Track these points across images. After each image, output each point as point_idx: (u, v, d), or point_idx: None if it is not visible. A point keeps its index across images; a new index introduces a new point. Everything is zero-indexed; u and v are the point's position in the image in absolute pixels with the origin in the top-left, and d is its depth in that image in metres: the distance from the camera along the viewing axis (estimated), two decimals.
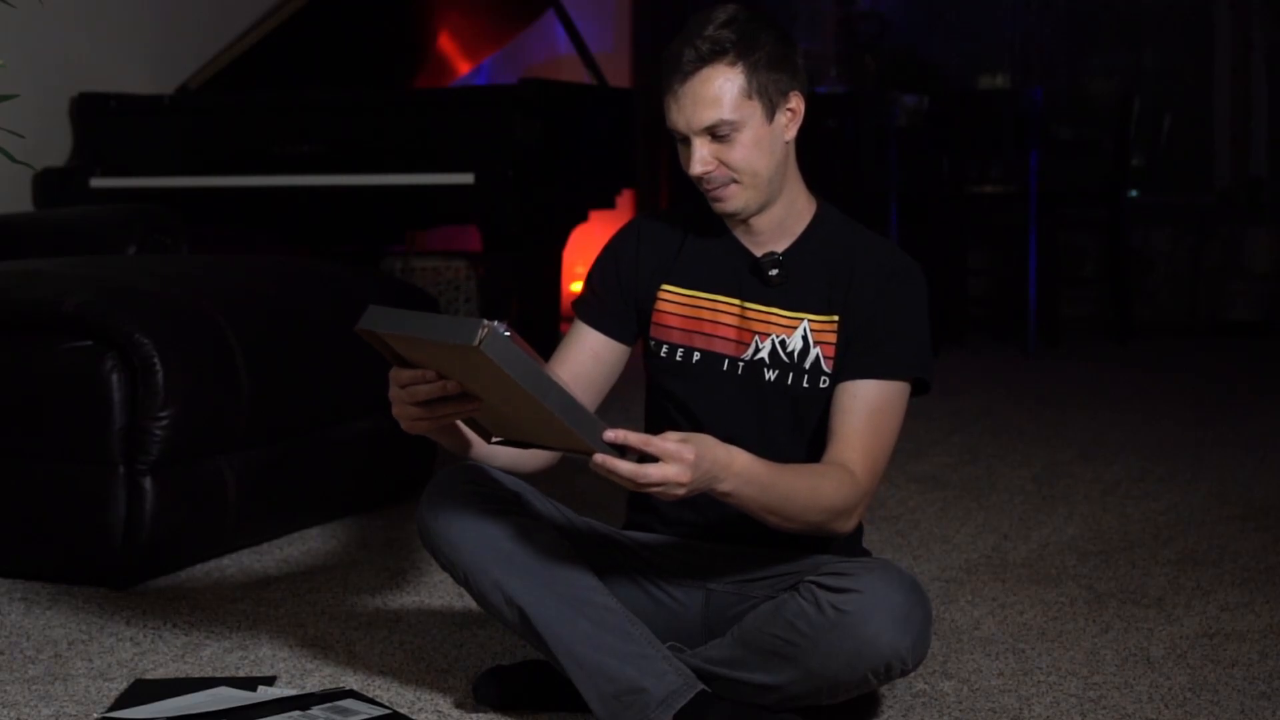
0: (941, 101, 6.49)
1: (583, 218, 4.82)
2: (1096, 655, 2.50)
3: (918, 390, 2.20)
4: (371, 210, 4.59)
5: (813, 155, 7.02)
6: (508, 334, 1.81)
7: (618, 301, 2.27)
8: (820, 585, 2.00)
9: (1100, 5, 7.61)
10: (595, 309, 2.28)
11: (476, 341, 1.77)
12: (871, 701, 2.26)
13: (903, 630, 1.97)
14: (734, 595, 2.21)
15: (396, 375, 1.97)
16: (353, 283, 3.63)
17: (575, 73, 5.92)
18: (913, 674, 2.33)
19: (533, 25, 5.77)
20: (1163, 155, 7.31)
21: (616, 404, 4.97)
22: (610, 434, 1.86)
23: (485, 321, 1.79)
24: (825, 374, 2.17)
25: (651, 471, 1.86)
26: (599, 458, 1.86)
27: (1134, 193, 7.15)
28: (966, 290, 7.04)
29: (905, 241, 6.47)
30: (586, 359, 2.26)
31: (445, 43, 5.54)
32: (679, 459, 1.86)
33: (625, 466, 1.86)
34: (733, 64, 2.08)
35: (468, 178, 4.37)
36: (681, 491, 1.89)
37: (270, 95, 4.73)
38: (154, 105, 4.78)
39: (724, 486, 1.94)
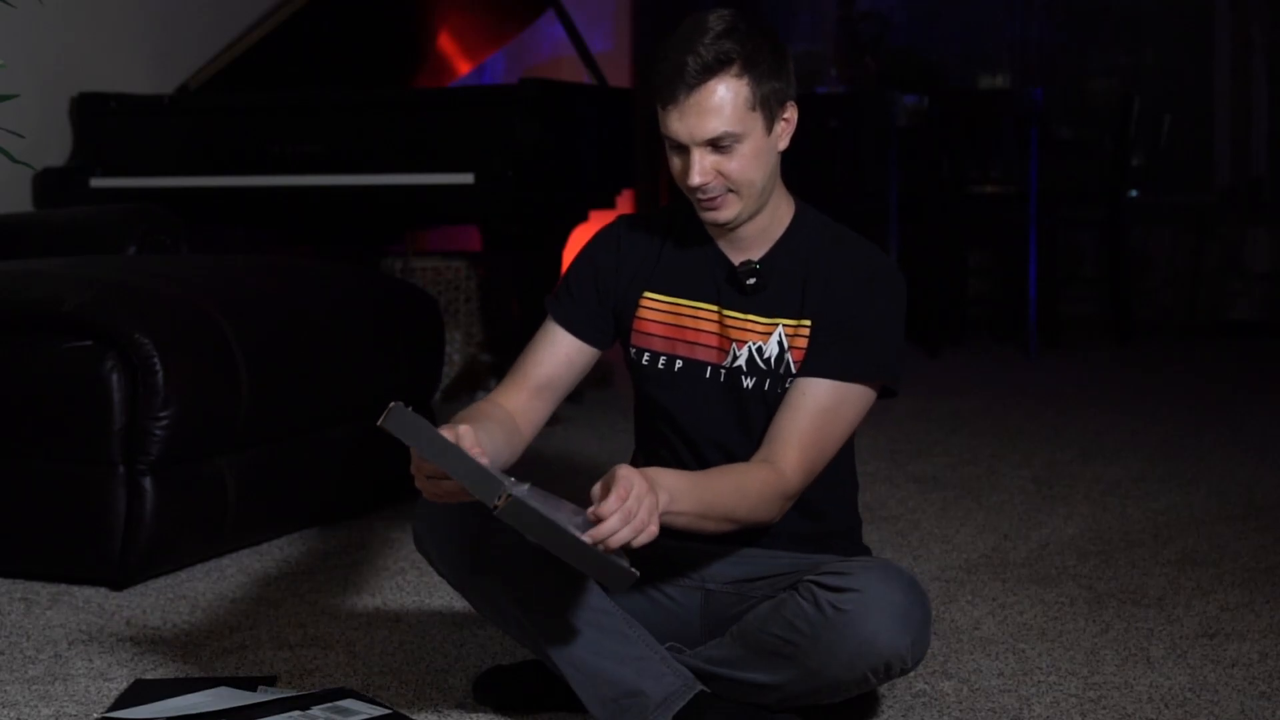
0: (941, 101, 6.49)
1: (583, 218, 4.82)
2: (1096, 655, 2.50)
3: (883, 394, 2.19)
4: (372, 210, 4.59)
5: (813, 155, 7.04)
6: (529, 497, 1.80)
7: (595, 307, 2.25)
8: (819, 585, 2.00)
9: (1100, 5, 7.61)
10: (572, 313, 2.25)
11: (492, 507, 1.78)
12: (871, 701, 2.26)
13: (902, 629, 1.97)
14: (733, 595, 2.21)
15: (421, 466, 1.94)
16: (353, 283, 3.63)
17: (575, 73, 5.92)
18: (913, 674, 2.34)
19: (533, 25, 5.76)
20: (1163, 155, 7.31)
21: (615, 407, 4.97)
22: (592, 514, 1.86)
23: (506, 485, 1.77)
24: (795, 377, 2.17)
25: (607, 524, 1.84)
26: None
27: (1134, 193, 7.15)
28: (966, 290, 7.04)
29: (905, 242, 6.48)
30: (560, 364, 2.24)
31: (445, 43, 5.54)
32: (613, 510, 1.84)
33: (604, 534, 1.84)
34: (739, 75, 2.05)
35: (468, 178, 4.37)
36: (645, 516, 1.86)
37: (270, 95, 4.72)
38: (154, 105, 4.78)
39: (663, 495, 1.91)
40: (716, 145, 2.07)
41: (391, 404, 1.85)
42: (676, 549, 2.23)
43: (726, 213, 2.12)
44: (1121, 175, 6.61)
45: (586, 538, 1.83)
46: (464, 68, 5.63)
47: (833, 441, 2.14)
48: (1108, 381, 5.70)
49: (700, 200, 2.11)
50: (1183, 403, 5.11)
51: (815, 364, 2.13)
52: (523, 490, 1.82)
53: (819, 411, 2.11)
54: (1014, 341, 6.64)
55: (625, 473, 1.88)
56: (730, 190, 2.10)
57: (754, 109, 2.07)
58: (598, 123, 4.78)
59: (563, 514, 1.88)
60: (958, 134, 6.54)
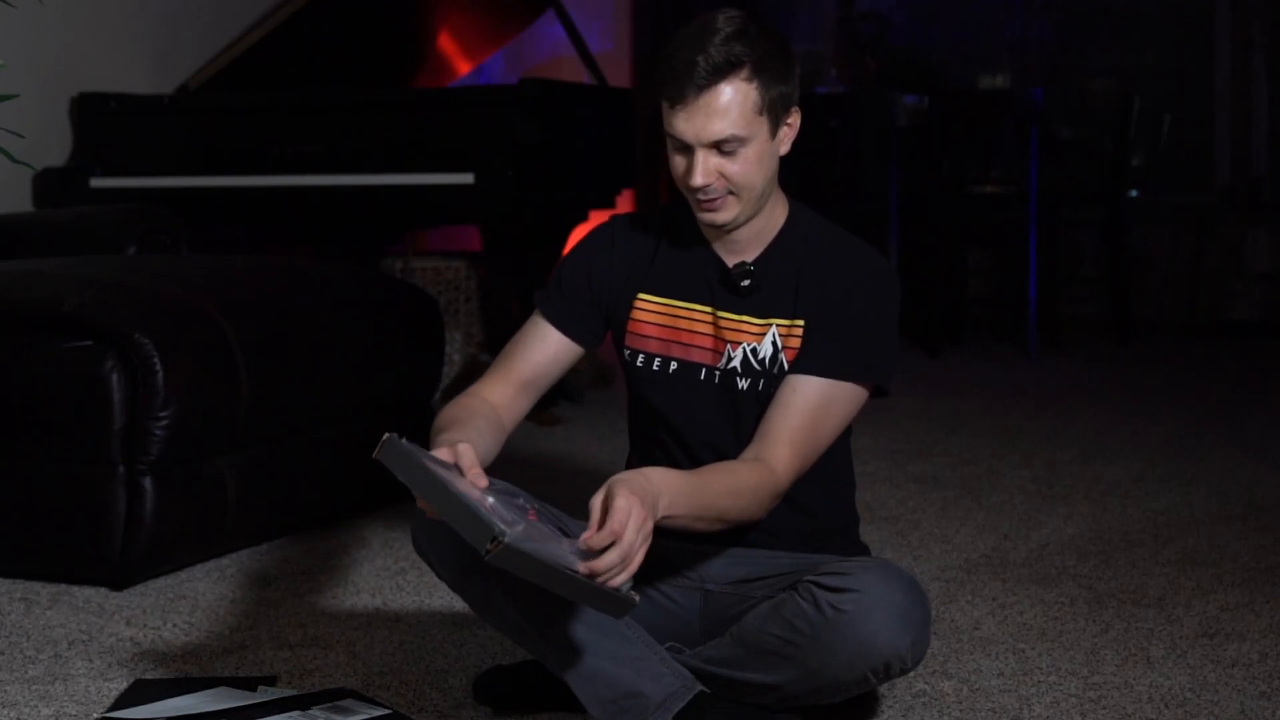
0: (941, 101, 6.49)
1: (583, 217, 4.82)
2: (1096, 655, 2.50)
3: (874, 394, 2.18)
4: (372, 210, 4.59)
5: (813, 155, 7.04)
6: (522, 537, 1.77)
7: (586, 306, 2.25)
8: (819, 585, 2.00)
9: (1100, 5, 7.61)
10: (562, 311, 2.25)
11: (483, 553, 1.76)
12: (871, 701, 2.26)
13: (902, 629, 1.97)
14: (732, 596, 2.21)
15: None
16: (353, 283, 3.63)
17: (575, 73, 5.92)
18: (913, 674, 2.34)
19: (533, 25, 5.77)
20: (1163, 155, 7.31)
21: (615, 407, 4.96)
22: (584, 543, 1.83)
23: (496, 530, 1.75)
24: (787, 374, 2.16)
25: (604, 560, 1.81)
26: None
27: (1134, 193, 7.15)
28: (966, 290, 7.04)
29: (905, 242, 6.48)
30: (547, 361, 2.24)
31: (445, 43, 5.54)
32: (606, 541, 1.81)
33: (602, 569, 1.80)
34: (749, 79, 2.04)
35: (468, 178, 4.37)
36: (636, 547, 1.83)
37: (270, 95, 4.72)
38: (154, 105, 4.78)
39: (662, 500, 1.90)
40: (721, 147, 2.06)
41: (385, 435, 1.83)
42: (675, 549, 2.23)
43: (725, 214, 2.12)
44: (1121, 175, 6.61)
45: (584, 568, 1.80)
46: (464, 68, 5.63)
47: (823, 439, 2.13)
48: (1108, 381, 5.70)
49: (700, 201, 2.11)
50: (1183, 403, 5.11)
51: (808, 362, 2.13)
52: (518, 530, 1.78)
53: (810, 409, 2.11)
54: (1014, 341, 6.64)
55: (623, 501, 1.83)
56: (731, 192, 2.10)
57: (761, 113, 2.07)
58: (598, 123, 4.78)
59: (564, 542, 1.86)
60: (958, 134, 6.54)
